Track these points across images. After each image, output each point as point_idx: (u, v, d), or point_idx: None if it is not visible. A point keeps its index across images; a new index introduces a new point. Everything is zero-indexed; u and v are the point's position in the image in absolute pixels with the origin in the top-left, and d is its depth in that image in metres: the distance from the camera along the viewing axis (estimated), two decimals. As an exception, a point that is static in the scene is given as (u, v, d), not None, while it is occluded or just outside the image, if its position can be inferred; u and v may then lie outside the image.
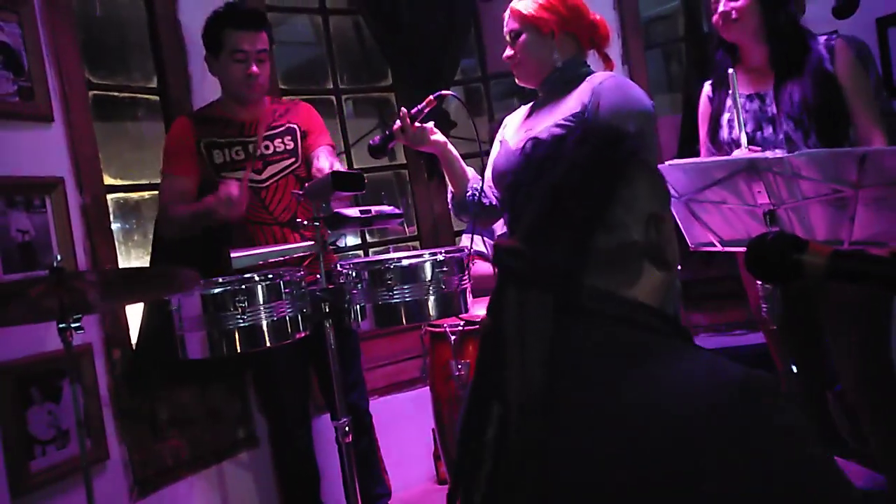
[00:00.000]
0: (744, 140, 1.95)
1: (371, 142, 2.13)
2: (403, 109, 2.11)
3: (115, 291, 1.86)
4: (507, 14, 2.07)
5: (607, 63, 2.11)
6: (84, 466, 1.74)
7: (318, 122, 2.56)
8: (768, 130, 2.09)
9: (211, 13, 2.44)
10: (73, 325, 1.66)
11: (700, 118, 2.32)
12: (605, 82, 1.95)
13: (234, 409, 2.84)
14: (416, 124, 2.09)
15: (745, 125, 2.03)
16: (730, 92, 2.06)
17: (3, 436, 2.03)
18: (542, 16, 2.00)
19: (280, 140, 2.49)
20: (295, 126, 2.51)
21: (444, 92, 2.11)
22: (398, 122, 2.09)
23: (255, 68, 2.39)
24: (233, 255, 1.82)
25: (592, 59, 2.13)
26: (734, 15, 2.09)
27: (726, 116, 2.19)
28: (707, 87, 2.30)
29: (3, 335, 2.01)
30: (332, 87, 3.47)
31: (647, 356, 0.80)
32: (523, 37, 2.03)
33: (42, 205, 2.21)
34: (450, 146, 2.18)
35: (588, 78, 2.00)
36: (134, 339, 2.56)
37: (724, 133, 2.18)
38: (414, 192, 3.59)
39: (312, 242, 1.94)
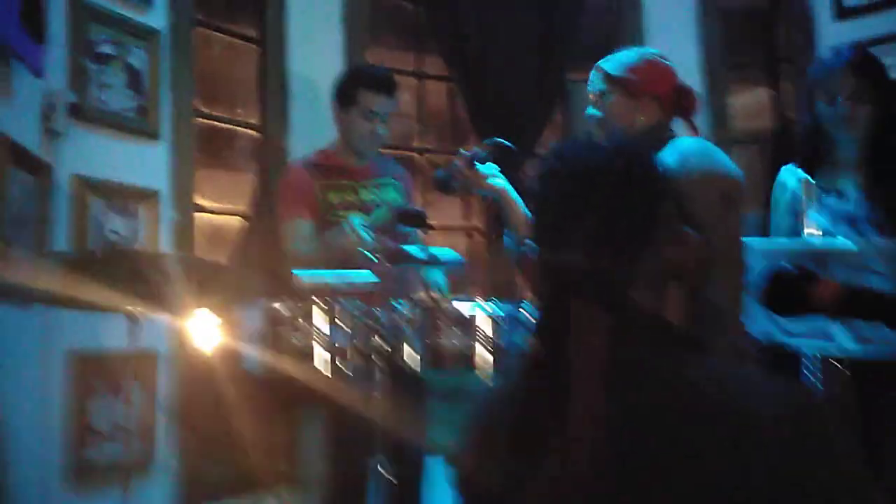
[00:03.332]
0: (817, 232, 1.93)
1: (435, 175, 2.23)
2: (462, 151, 2.19)
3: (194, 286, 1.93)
4: (592, 73, 2.08)
5: (693, 130, 2.07)
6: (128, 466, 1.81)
7: (410, 184, 2.74)
8: (846, 228, 2.07)
9: (349, 69, 2.66)
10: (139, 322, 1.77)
11: (773, 206, 2.32)
12: (690, 146, 1.92)
13: (285, 442, 2.89)
14: (477, 169, 2.15)
15: (821, 220, 2.01)
16: (809, 185, 2.06)
17: (67, 420, 2.15)
18: (629, 77, 2.00)
19: (385, 189, 2.63)
20: (396, 182, 2.67)
21: (498, 140, 2.19)
22: (458, 163, 2.16)
23: (380, 129, 2.56)
24: (296, 273, 1.92)
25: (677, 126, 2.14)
26: (851, 115, 2.10)
27: (804, 208, 2.18)
28: (787, 175, 2.29)
29: (78, 326, 2.15)
30: (416, 145, 3.63)
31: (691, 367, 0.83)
32: (608, 97, 2.04)
33: (136, 212, 2.39)
34: (509, 192, 2.20)
35: (672, 142, 1.97)
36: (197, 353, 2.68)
37: (801, 225, 2.16)
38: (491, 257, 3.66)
39: (373, 273, 2.02)
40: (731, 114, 3.64)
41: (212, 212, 2.87)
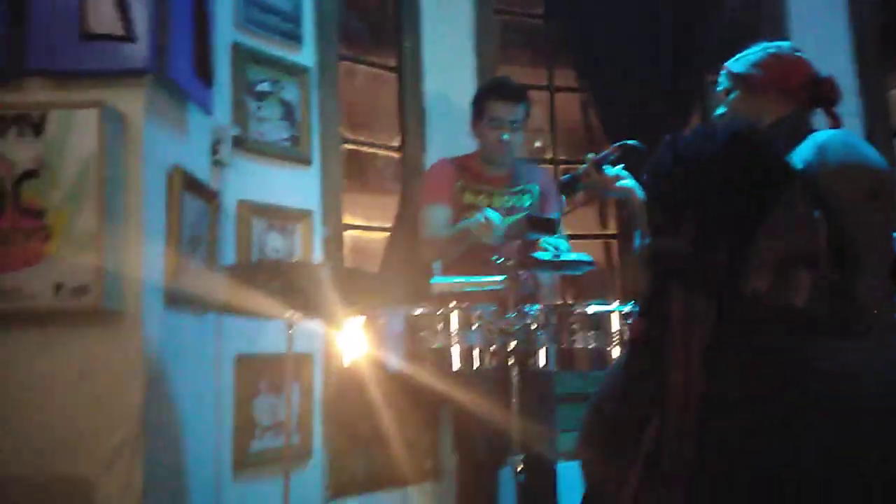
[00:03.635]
0: None
1: (561, 179, 2.30)
2: (590, 155, 2.24)
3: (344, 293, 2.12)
4: (721, 72, 2.07)
5: (834, 122, 1.99)
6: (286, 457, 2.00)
7: (553, 189, 2.81)
8: None
9: (482, 85, 2.84)
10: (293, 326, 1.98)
11: None
12: (831, 138, 1.86)
13: (426, 440, 3.06)
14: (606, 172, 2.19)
15: None
16: None
17: (234, 416, 2.43)
18: (752, 73, 1.99)
19: (518, 197, 2.76)
20: (532, 189, 2.78)
21: (627, 142, 2.22)
22: (585, 167, 2.22)
23: (506, 135, 2.69)
24: (433, 281, 2.07)
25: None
26: None
27: None
28: None
29: (243, 332, 2.42)
30: (551, 156, 3.72)
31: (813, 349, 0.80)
32: (732, 94, 2.03)
33: (292, 231, 2.65)
34: (637, 193, 2.21)
35: (811, 136, 1.90)
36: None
37: None
38: (623, 261, 3.68)
39: (504, 278, 2.13)
40: (891, 105, 3.44)
41: (358, 228, 3.11)
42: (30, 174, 1.77)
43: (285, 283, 1.89)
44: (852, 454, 0.72)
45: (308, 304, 2.00)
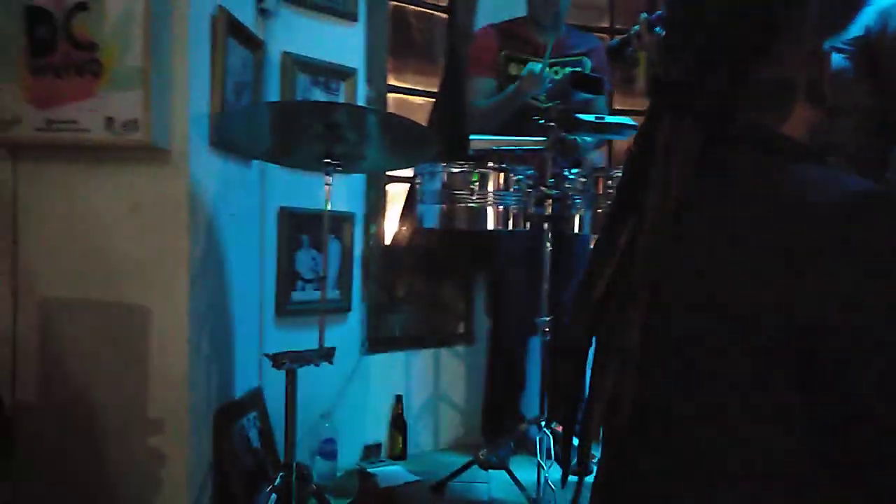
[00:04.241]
0: None
1: (609, 43, 2.24)
2: (643, 15, 2.17)
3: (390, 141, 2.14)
4: None
5: None
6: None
7: (604, 61, 2.73)
8: None
9: None
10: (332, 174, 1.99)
11: None
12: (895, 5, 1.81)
13: (460, 306, 3.15)
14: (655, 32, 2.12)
15: None
16: None
17: (277, 266, 2.52)
18: None
19: (565, 66, 2.70)
20: (583, 59, 2.70)
21: None
22: (637, 28, 2.15)
23: None
24: (472, 138, 2.07)
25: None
26: None
27: None
28: None
29: (289, 186, 2.48)
30: (607, 24, 3.59)
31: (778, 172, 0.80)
32: None
33: (337, 88, 2.65)
34: None
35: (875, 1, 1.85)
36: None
37: None
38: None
39: (545, 139, 2.12)
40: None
41: (403, 91, 3.09)
42: (80, 6, 1.79)
43: (330, 125, 1.88)
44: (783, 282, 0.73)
45: (351, 151, 2.00)
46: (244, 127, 2.02)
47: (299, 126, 1.90)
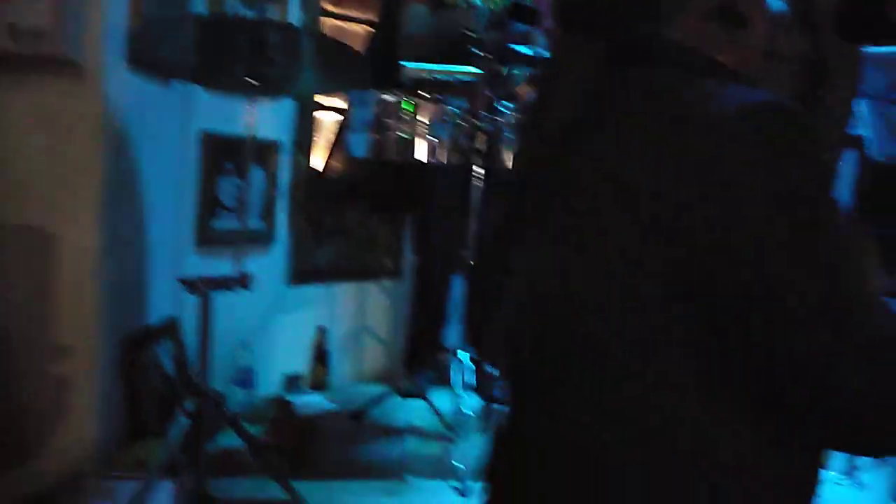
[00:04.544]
0: None
1: None
2: None
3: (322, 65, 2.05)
4: None
5: None
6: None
7: None
8: None
9: None
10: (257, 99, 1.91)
11: None
12: None
13: (388, 240, 3.13)
14: None
15: None
16: None
17: (198, 192, 2.43)
18: None
19: None
20: None
21: None
22: None
23: None
24: (404, 65, 2.01)
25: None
26: None
27: None
28: None
29: (212, 110, 2.37)
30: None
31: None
32: None
33: (268, 8, 2.51)
34: None
35: None
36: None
37: None
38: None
39: (478, 70, 2.08)
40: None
41: (337, 17, 2.97)
42: None
43: (258, 46, 1.79)
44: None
45: (280, 74, 1.92)
46: (165, 43, 1.91)
47: (225, 45, 1.81)
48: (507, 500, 0.84)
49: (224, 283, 1.83)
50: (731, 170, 0.69)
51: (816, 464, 0.75)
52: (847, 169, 2.11)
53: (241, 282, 1.86)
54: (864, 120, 1.77)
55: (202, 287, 1.77)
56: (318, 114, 2.89)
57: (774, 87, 1.73)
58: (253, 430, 2.05)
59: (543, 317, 0.80)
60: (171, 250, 2.34)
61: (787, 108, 0.72)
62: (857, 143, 1.92)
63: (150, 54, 1.92)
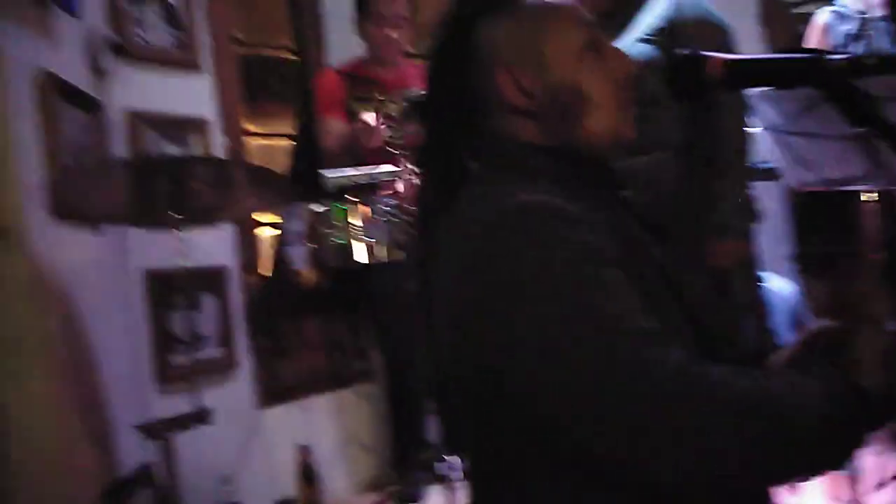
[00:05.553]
0: None
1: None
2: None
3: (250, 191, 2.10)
4: None
5: None
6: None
7: None
8: None
9: None
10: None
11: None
12: None
13: (352, 344, 3.09)
14: None
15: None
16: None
17: (151, 331, 2.40)
18: None
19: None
20: None
21: None
22: None
23: (392, 32, 2.59)
24: (325, 173, 2.04)
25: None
26: None
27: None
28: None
29: (155, 247, 2.36)
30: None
31: None
32: None
33: (187, 140, 2.56)
34: None
35: None
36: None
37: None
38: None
39: (398, 168, 2.11)
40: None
41: (262, 136, 3.04)
42: None
43: (180, 181, 1.81)
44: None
45: (207, 203, 1.94)
46: (89, 190, 1.92)
47: (151, 185, 1.83)
48: None
49: (183, 423, 1.78)
50: (487, 268, 0.76)
51: None
52: (771, 198, 2.20)
53: (201, 417, 1.82)
54: (772, 152, 1.83)
55: (161, 431, 1.73)
56: (258, 231, 2.91)
57: (666, 132, 1.79)
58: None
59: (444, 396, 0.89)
60: (132, 395, 2.29)
61: (537, 205, 0.77)
62: (770, 174, 1.99)
63: (74, 204, 1.93)
